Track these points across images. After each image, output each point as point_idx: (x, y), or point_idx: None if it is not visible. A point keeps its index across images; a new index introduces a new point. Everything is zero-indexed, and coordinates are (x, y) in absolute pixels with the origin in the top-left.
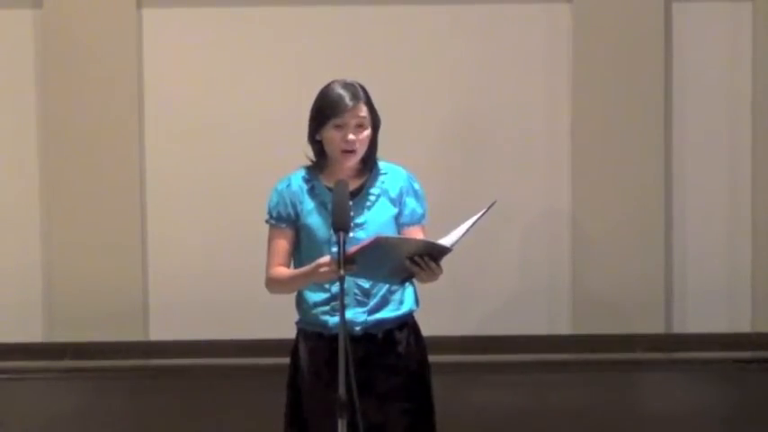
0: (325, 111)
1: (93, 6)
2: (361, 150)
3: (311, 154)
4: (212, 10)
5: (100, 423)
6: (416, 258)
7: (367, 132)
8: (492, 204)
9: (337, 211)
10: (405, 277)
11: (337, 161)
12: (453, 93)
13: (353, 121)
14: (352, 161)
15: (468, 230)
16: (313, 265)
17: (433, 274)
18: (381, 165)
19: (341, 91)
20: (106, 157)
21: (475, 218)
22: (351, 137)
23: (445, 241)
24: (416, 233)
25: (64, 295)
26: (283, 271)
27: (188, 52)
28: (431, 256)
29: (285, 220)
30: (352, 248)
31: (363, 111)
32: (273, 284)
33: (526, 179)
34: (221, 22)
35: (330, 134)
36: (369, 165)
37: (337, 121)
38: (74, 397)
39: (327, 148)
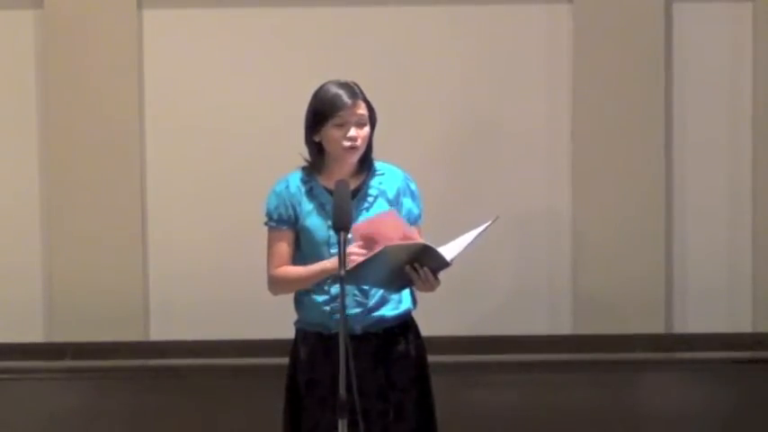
0: (323, 111)
1: (94, 6)
2: (362, 147)
3: (307, 155)
4: (212, 11)
5: (100, 423)
6: (416, 266)
7: (367, 129)
8: (495, 220)
9: (338, 211)
10: (402, 284)
11: (339, 159)
12: (453, 93)
13: (354, 119)
14: (356, 158)
15: (469, 245)
16: (319, 269)
17: (430, 286)
18: (378, 165)
19: (337, 90)
20: (106, 156)
21: (477, 232)
22: (353, 132)
23: (445, 252)
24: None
25: (64, 295)
26: (289, 270)
27: (188, 53)
28: (430, 267)
29: (286, 222)
30: (358, 259)
31: (362, 108)
32: (278, 284)
33: (526, 179)
34: (222, 22)
35: (331, 133)
36: (366, 165)
37: (337, 120)
38: (74, 397)
39: (329, 147)
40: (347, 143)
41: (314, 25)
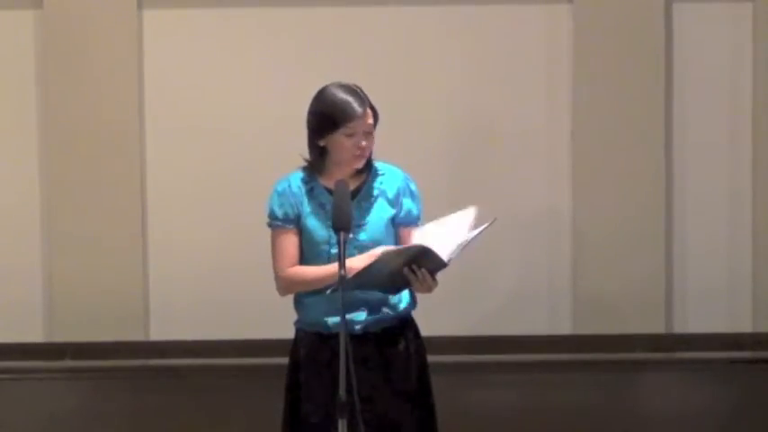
0: (334, 118)
1: (94, 6)
2: (368, 154)
3: (307, 156)
4: (212, 11)
5: (100, 423)
6: (414, 267)
7: (373, 137)
8: (492, 221)
9: (337, 211)
10: (400, 287)
11: (345, 165)
12: (453, 94)
13: (363, 128)
14: (362, 164)
15: (466, 246)
16: (334, 270)
17: (428, 287)
18: (378, 165)
19: (346, 96)
20: (106, 156)
21: (474, 233)
22: (364, 143)
23: (442, 253)
24: (411, 234)
25: (64, 295)
26: (305, 271)
27: (188, 53)
28: (427, 268)
29: (291, 220)
30: (358, 267)
31: (371, 117)
32: (291, 285)
33: (527, 179)
34: (222, 22)
35: (340, 140)
36: (366, 165)
37: (348, 130)
38: (74, 397)
39: (335, 154)
40: (357, 152)
41: (313, 25)
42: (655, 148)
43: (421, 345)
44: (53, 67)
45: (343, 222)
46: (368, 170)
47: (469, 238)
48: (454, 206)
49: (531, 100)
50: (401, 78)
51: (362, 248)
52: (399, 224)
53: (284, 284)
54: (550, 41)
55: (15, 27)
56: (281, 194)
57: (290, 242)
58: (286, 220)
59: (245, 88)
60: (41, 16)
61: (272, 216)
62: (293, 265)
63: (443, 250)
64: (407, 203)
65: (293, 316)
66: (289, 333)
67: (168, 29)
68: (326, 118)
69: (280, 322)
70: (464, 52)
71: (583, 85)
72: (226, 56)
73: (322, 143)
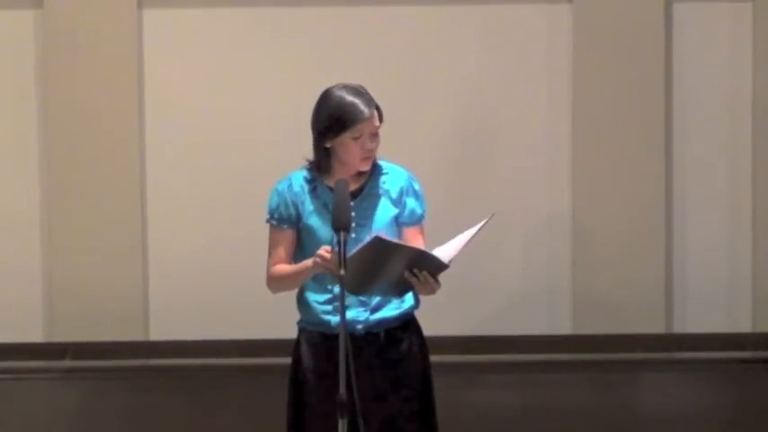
0: (341, 120)
1: (94, 6)
2: (374, 154)
3: (310, 156)
4: (213, 10)
5: (100, 423)
6: (415, 271)
7: (379, 137)
8: (491, 217)
9: (337, 210)
10: (403, 289)
11: (351, 167)
12: (453, 93)
13: (369, 130)
14: (369, 166)
15: (466, 244)
16: (302, 267)
17: (431, 289)
18: (382, 164)
19: (352, 98)
20: (106, 157)
21: (473, 231)
22: (371, 145)
23: (442, 255)
24: (415, 234)
25: (64, 295)
26: (283, 267)
27: (188, 53)
28: (429, 271)
29: (286, 221)
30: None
31: (377, 118)
32: (274, 282)
33: (527, 179)
34: (222, 22)
35: (347, 143)
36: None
37: (356, 132)
38: (74, 397)
39: (343, 156)
40: (365, 154)
41: (314, 25)
42: (655, 149)
43: (423, 345)
44: (53, 67)
45: (343, 222)
46: (371, 169)
47: (469, 236)
48: (454, 205)
49: (531, 100)
50: (401, 78)
51: None
52: (403, 224)
53: (268, 282)
54: (550, 41)
55: (15, 27)
56: (279, 194)
57: (282, 242)
58: (281, 220)
59: (245, 89)
60: (41, 16)
61: (270, 214)
62: (279, 264)
63: (444, 250)
64: (411, 203)
65: (293, 316)
66: (289, 333)
67: (168, 29)
68: (333, 120)
69: (280, 322)
70: (464, 52)
71: (583, 85)
72: (226, 56)
73: (328, 145)
